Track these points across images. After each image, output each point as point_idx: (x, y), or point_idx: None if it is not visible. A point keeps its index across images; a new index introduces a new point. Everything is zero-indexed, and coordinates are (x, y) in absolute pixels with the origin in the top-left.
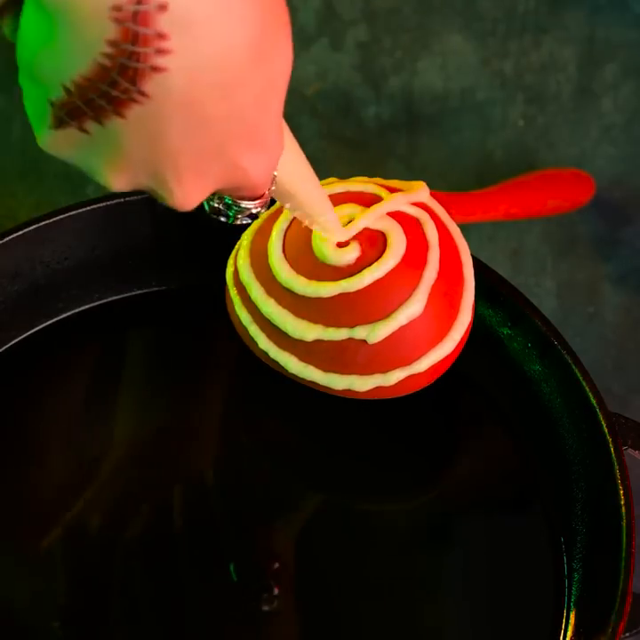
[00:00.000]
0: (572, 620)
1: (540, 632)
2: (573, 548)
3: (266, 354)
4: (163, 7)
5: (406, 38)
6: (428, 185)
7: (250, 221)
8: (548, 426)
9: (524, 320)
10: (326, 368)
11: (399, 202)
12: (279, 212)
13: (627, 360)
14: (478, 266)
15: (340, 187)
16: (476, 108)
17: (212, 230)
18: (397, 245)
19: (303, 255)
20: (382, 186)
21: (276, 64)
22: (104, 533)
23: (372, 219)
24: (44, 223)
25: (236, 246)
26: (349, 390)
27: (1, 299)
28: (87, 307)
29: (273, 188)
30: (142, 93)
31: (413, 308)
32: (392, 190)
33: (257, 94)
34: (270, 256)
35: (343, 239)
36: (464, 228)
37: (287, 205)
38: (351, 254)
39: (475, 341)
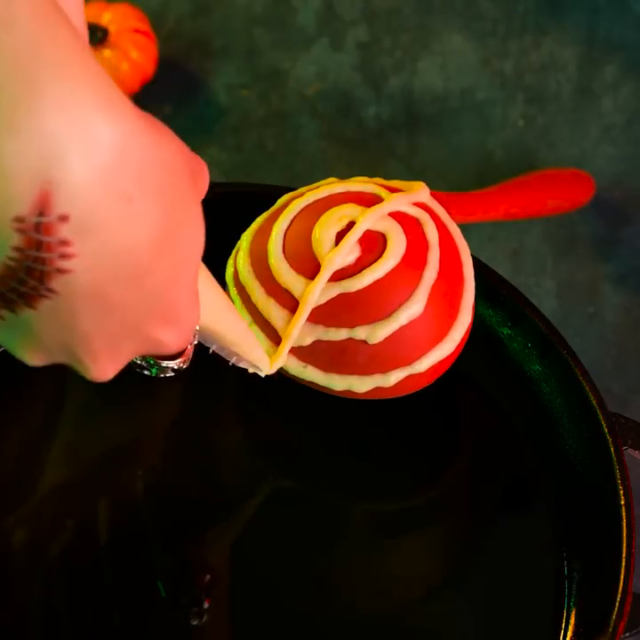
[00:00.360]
0: (572, 620)
1: (540, 632)
2: (573, 548)
3: (266, 353)
4: (64, 217)
5: (406, 38)
6: (427, 185)
7: (173, 374)
8: (548, 426)
9: (524, 320)
10: (326, 368)
11: (400, 202)
12: (279, 211)
13: (627, 360)
14: (478, 266)
15: (339, 187)
16: (476, 108)
17: (212, 230)
18: (397, 246)
19: (303, 255)
20: (382, 186)
21: (186, 244)
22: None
23: (373, 219)
24: None
25: (236, 247)
26: (349, 391)
27: None
28: None
29: (194, 342)
30: (50, 290)
31: (413, 309)
32: (392, 190)
33: (167, 277)
34: (270, 256)
35: (271, 371)
36: (464, 228)
37: (213, 347)
38: (351, 255)
39: (475, 341)
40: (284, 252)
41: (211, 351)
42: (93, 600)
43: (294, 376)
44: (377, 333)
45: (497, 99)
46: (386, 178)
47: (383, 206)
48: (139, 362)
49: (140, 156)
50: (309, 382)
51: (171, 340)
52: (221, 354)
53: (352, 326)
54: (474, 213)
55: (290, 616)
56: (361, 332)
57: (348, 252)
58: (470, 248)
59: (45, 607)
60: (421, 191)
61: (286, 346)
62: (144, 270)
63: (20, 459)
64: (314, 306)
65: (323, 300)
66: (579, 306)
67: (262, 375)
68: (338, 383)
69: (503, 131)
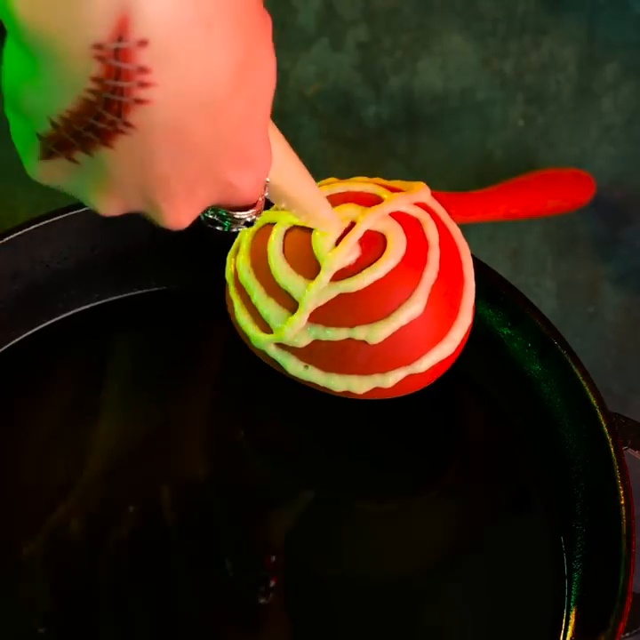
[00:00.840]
0: (571, 620)
1: (540, 632)
2: (573, 548)
3: (265, 354)
4: (143, 43)
5: (406, 38)
6: (427, 185)
7: (246, 228)
8: (548, 426)
9: (524, 320)
10: (326, 368)
11: (400, 202)
12: (279, 211)
13: (627, 360)
14: (478, 266)
15: (340, 187)
16: (476, 107)
17: (212, 230)
18: (397, 246)
19: (303, 256)
20: (383, 186)
21: (259, 81)
22: (96, 533)
23: (373, 220)
24: (43, 223)
25: (234, 245)
26: (349, 391)
27: (1, 299)
28: (87, 307)
29: (266, 194)
30: (128, 125)
31: (413, 309)
32: (392, 190)
33: (242, 114)
34: (270, 256)
35: (338, 234)
36: (464, 228)
37: (283, 205)
38: (351, 255)
39: (475, 341)
40: (283, 252)
41: (280, 208)
42: (160, 581)
43: (294, 376)
44: (377, 333)
45: (497, 99)
46: (386, 178)
47: (383, 206)
48: (211, 216)
49: None
50: (309, 382)
51: (245, 184)
52: (290, 212)
53: (352, 326)
54: (474, 213)
55: (287, 616)
56: (361, 332)
57: (349, 253)
58: (470, 248)
59: (113, 592)
60: (422, 191)
61: (363, 224)
62: (221, 105)
63: (66, 448)
64: (313, 306)
65: (322, 300)
66: (579, 306)
67: (332, 236)
68: (337, 383)
69: (503, 131)
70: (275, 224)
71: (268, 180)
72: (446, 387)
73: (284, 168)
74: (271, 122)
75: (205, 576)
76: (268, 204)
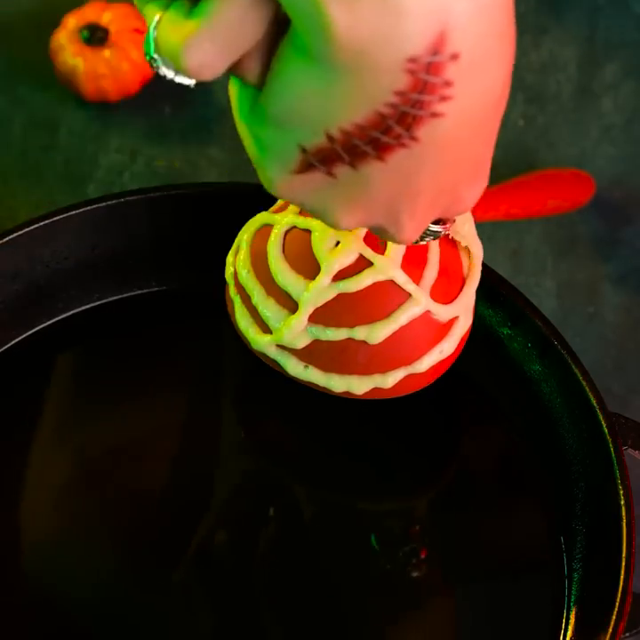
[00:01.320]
0: (571, 620)
1: (540, 632)
2: (573, 548)
3: (265, 354)
4: (455, 56)
5: None
6: None
7: (432, 239)
8: (548, 426)
9: (524, 320)
10: (326, 368)
11: None
12: (280, 210)
13: (627, 360)
14: None
15: None
16: None
17: (212, 230)
18: (397, 246)
19: (303, 256)
20: None
21: (508, 92)
22: (95, 531)
23: None
24: (43, 223)
25: (234, 245)
26: (349, 391)
27: (1, 299)
28: (87, 307)
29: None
30: (413, 138)
31: (413, 309)
32: None
33: (494, 128)
34: (270, 257)
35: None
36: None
37: None
38: (351, 256)
39: (475, 341)
40: (283, 252)
41: None
42: (159, 584)
43: (294, 377)
44: (377, 333)
45: None
46: None
47: None
48: None
49: None
50: (309, 383)
51: (471, 198)
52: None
53: (352, 326)
54: (474, 213)
55: (285, 615)
56: (361, 333)
57: (349, 253)
58: None
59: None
60: None
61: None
62: (490, 116)
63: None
64: (313, 306)
65: (322, 301)
66: (579, 306)
67: (331, 237)
68: (337, 383)
69: (503, 131)
70: (274, 225)
71: None
72: (446, 387)
73: None
74: None
75: (205, 576)
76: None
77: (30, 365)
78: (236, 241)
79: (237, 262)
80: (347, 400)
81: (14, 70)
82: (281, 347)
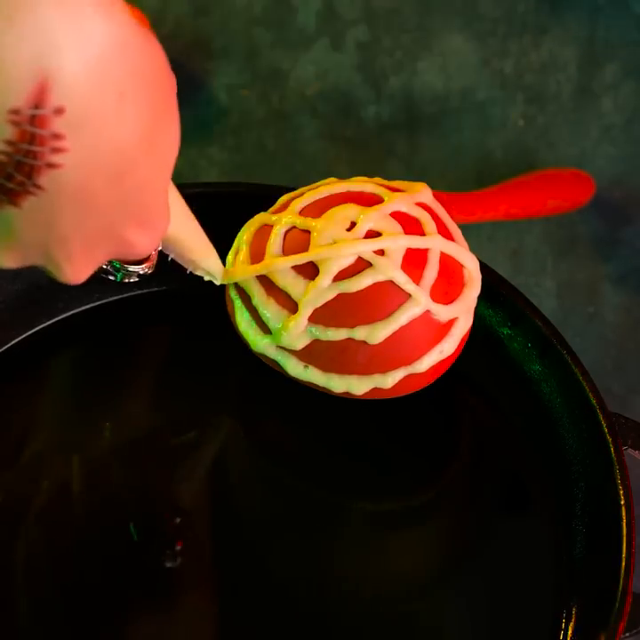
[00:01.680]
0: (572, 620)
1: (540, 632)
2: (573, 548)
3: (265, 355)
4: (60, 110)
5: (406, 38)
6: (427, 185)
7: (138, 279)
8: (548, 426)
9: (524, 320)
10: (326, 368)
11: (401, 202)
12: (279, 211)
13: (627, 360)
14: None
15: (340, 187)
16: (476, 107)
17: (212, 230)
18: (397, 246)
19: (303, 254)
20: (383, 186)
21: (164, 147)
22: (93, 532)
23: (374, 220)
24: None
25: (234, 246)
26: (349, 391)
27: (1, 299)
28: (87, 307)
29: (159, 248)
30: (37, 186)
31: (413, 309)
32: (393, 190)
33: (146, 178)
34: (269, 257)
35: (224, 282)
36: (464, 228)
37: (171, 255)
38: (349, 258)
39: (475, 341)
40: (283, 252)
41: (169, 259)
42: (68, 548)
43: (294, 377)
44: (377, 334)
45: (497, 99)
46: (386, 178)
47: (384, 206)
48: (105, 266)
49: (131, 54)
50: (309, 383)
51: (143, 243)
52: (179, 261)
53: (352, 326)
54: (474, 213)
55: (287, 611)
56: (361, 333)
57: (348, 254)
58: (470, 248)
59: (25, 558)
60: (423, 192)
61: (364, 223)
62: (128, 168)
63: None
64: (313, 307)
65: (322, 301)
66: (579, 306)
67: (217, 283)
68: (337, 384)
69: (503, 131)
70: (274, 225)
71: None
72: (446, 387)
73: (176, 218)
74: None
75: (205, 575)
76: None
77: (30, 365)
78: (235, 241)
79: (237, 262)
80: (347, 400)
81: None
82: (281, 347)
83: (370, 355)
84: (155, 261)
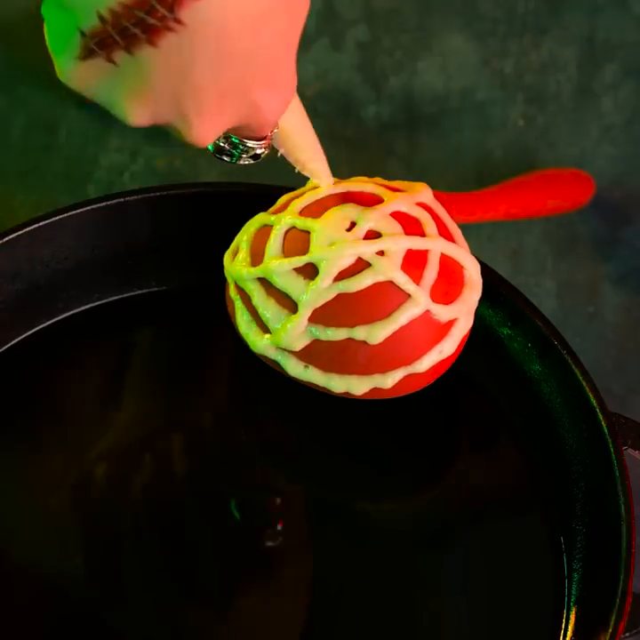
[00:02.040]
0: (571, 620)
1: (540, 632)
2: (573, 548)
3: (265, 355)
4: None
5: (406, 38)
6: (427, 185)
7: (252, 162)
8: (548, 426)
9: (524, 320)
10: (326, 368)
11: (401, 202)
12: (279, 211)
13: (627, 360)
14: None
15: (340, 187)
16: (476, 108)
17: (212, 230)
18: (397, 247)
19: (303, 256)
20: (383, 186)
21: (300, 3)
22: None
23: (374, 220)
24: (43, 223)
25: (232, 246)
26: (349, 391)
27: (1, 299)
28: (87, 307)
29: (276, 130)
30: (178, 21)
31: (413, 309)
32: (393, 190)
33: (281, 31)
34: (269, 258)
35: (331, 183)
36: (464, 228)
37: (281, 150)
38: (348, 259)
39: (475, 341)
40: (283, 252)
41: (279, 154)
42: (172, 525)
43: (294, 377)
44: (377, 334)
45: (497, 99)
46: (386, 178)
47: (384, 206)
48: (222, 143)
49: None
50: (309, 383)
51: (269, 106)
52: (288, 159)
53: (352, 326)
54: (474, 213)
55: (288, 611)
56: (361, 333)
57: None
58: (470, 248)
59: (134, 540)
60: (424, 192)
61: (365, 223)
62: (265, 14)
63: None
64: (312, 307)
65: (322, 301)
66: (579, 306)
67: (323, 186)
68: (337, 384)
69: (503, 131)
70: (273, 225)
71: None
72: (446, 387)
73: (294, 111)
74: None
75: (204, 575)
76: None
77: (30, 365)
78: (234, 241)
79: (237, 262)
80: (347, 400)
81: (14, 70)
82: (281, 347)
83: (370, 355)
84: (270, 143)
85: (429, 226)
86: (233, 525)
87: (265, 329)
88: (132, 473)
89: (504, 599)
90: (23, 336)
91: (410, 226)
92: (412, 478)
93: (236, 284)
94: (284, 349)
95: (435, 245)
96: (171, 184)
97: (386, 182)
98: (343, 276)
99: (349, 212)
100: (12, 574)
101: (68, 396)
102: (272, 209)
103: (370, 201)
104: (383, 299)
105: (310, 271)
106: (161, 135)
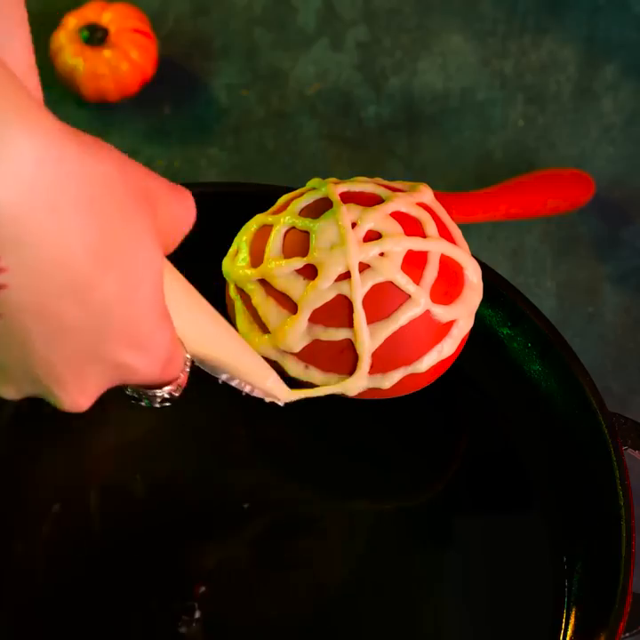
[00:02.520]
0: (571, 620)
1: (540, 632)
2: (573, 548)
3: (265, 356)
4: None
5: (406, 38)
6: (428, 185)
7: (168, 404)
8: (548, 426)
9: (524, 320)
10: (326, 368)
11: (401, 202)
12: (279, 211)
13: (627, 360)
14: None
15: (340, 187)
16: (476, 107)
17: (212, 230)
18: (398, 248)
19: (303, 256)
20: (383, 186)
21: (134, 261)
22: (91, 532)
23: (375, 219)
24: None
25: (233, 247)
26: (348, 392)
27: None
28: None
29: (187, 369)
30: None
31: (414, 309)
32: (394, 190)
33: (115, 294)
34: (268, 259)
35: (291, 399)
36: (464, 228)
37: (223, 377)
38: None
39: (475, 341)
40: (283, 253)
41: (220, 381)
42: (172, 525)
43: (295, 377)
44: (377, 334)
45: (497, 99)
46: (386, 178)
47: (384, 206)
48: (129, 393)
49: (63, 168)
50: (309, 383)
51: (141, 365)
52: (232, 384)
53: (352, 327)
54: (474, 213)
55: (288, 611)
56: None
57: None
58: (470, 248)
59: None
60: (424, 192)
61: (365, 223)
62: (86, 285)
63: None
64: (312, 308)
65: (321, 302)
66: (579, 306)
67: (280, 404)
68: (337, 384)
69: (503, 131)
70: (274, 225)
71: (187, 355)
72: (446, 387)
73: (214, 340)
74: (193, 290)
75: (204, 574)
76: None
77: None
78: (234, 241)
79: (237, 264)
80: (347, 400)
81: None
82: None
83: (370, 355)
84: (183, 384)
85: (430, 226)
86: (233, 525)
87: (265, 329)
88: (132, 473)
89: (504, 599)
90: None
91: (410, 226)
92: (412, 478)
93: (235, 284)
94: (287, 351)
95: (435, 246)
96: None
97: (386, 182)
98: (343, 277)
99: (350, 212)
100: (11, 575)
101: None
102: (272, 209)
103: (370, 201)
104: (383, 299)
105: (310, 272)
106: (161, 135)
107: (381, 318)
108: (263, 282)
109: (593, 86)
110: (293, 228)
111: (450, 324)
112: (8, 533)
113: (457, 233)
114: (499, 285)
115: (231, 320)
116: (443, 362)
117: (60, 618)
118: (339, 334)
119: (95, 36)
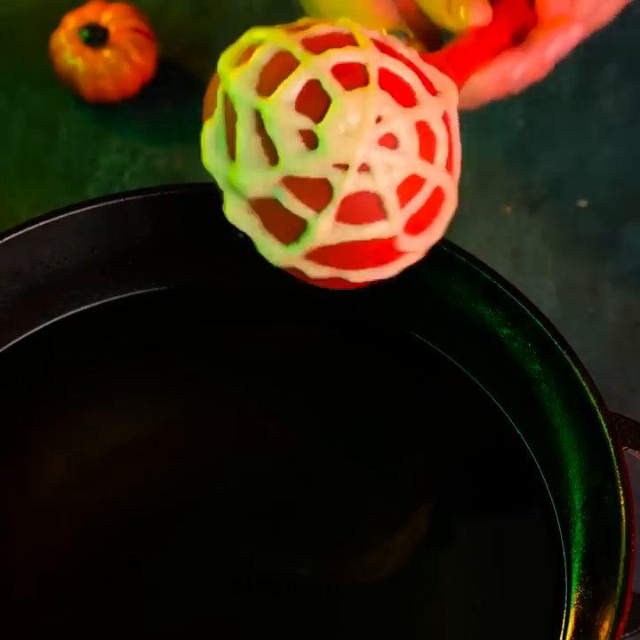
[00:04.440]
0: (571, 620)
1: (540, 632)
2: (573, 548)
3: (214, 179)
4: None
5: None
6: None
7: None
8: (548, 426)
9: (524, 320)
10: (268, 229)
11: (434, 113)
12: (311, 45)
13: (627, 360)
14: (478, 266)
15: (384, 61)
16: (476, 108)
17: (213, 230)
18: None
19: (314, 119)
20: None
21: None
22: (93, 530)
23: (400, 127)
24: (43, 223)
25: (243, 42)
26: (270, 256)
27: (1, 299)
28: (87, 307)
29: None
30: None
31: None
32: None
33: None
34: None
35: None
36: (464, 228)
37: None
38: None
39: (475, 341)
40: (295, 105)
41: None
42: (172, 524)
43: (231, 222)
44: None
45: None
46: None
47: (417, 112)
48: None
49: None
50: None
51: None
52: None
53: (318, 210)
54: (473, 64)
55: (289, 611)
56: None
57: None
58: (470, 248)
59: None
60: (453, 98)
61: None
62: None
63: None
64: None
65: (304, 174)
66: (579, 306)
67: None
68: (265, 245)
69: (503, 131)
70: (300, 64)
71: None
72: (446, 387)
73: None
74: None
75: (204, 574)
76: None
77: (30, 365)
78: (243, 39)
79: (240, 76)
80: (347, 400)
81: (14, 70)
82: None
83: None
84: None
85: (441, 150)
86: (233, 525)
87: (231, 157)
88: (132, 472)
89: (504, 599)
90: (23, 336)
91: (426, 146)
92: (412, 478)
93: (226, 91)
94: (237, 189)
95: (436, 178)
96: (171, 184)
97: (423, 54)
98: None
99: (380, 95)
100: (11, 574)
101: (68, 396)
102: (298, 28)
103: (404, 91)
104: (362, 208)
105: (310, 139)
106: (161, 135)
107: (351, 223)
108: (257, 115)
109: (593, 86)
110: (318, 82)
111: (404, 253)
112: (8, 533)
113: (457, 156)
114: (499, 285)
115: (202, 116)
116: (376, 281)
117: (60, 618)
118: (297, 209)
119: (95, 36)
